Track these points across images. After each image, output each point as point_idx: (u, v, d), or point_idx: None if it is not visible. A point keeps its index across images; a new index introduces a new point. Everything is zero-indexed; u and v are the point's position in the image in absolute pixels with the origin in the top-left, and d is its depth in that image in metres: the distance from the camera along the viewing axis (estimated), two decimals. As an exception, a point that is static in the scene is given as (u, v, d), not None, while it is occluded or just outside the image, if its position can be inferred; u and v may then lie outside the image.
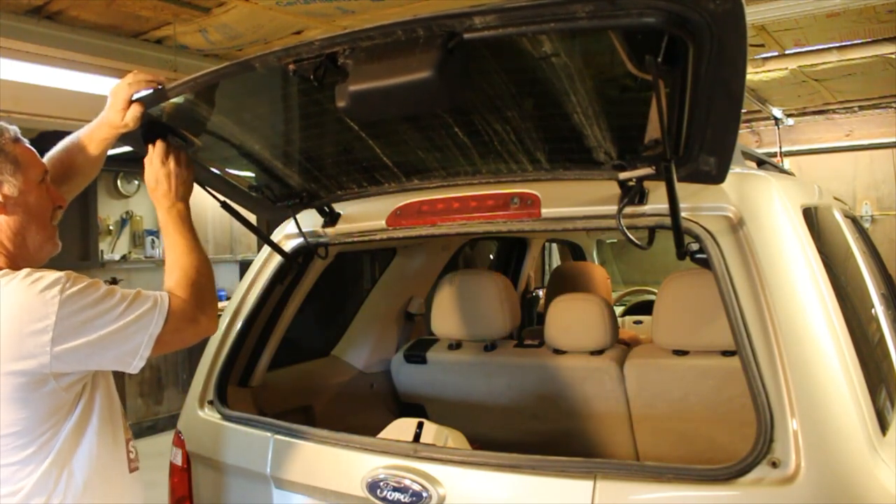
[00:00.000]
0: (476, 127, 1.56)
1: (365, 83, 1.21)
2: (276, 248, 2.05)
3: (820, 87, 5.89)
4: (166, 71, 4.07)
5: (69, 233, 6.07)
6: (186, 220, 1.64)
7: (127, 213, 7.05)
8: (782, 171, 2.89)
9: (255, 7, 3.75)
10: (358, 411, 2.53)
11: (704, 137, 1.29)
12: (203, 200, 1.90)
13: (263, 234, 2.12)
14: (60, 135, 1.67)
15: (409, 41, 1.17)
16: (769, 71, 5.24)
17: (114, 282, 6.66)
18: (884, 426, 1.37)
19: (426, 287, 2.85)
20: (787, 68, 5.20)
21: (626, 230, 1.46)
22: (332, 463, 1.67)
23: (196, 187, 1.72)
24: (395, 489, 1.52)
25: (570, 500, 1.37)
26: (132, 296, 1.36)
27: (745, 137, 7.21)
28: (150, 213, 7.27)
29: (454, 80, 1.17)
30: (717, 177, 1.37)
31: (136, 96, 1.56)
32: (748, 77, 5.40)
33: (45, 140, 1.71)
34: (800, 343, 1.32)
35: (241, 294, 2.09)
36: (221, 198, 1.90)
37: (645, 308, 4.39)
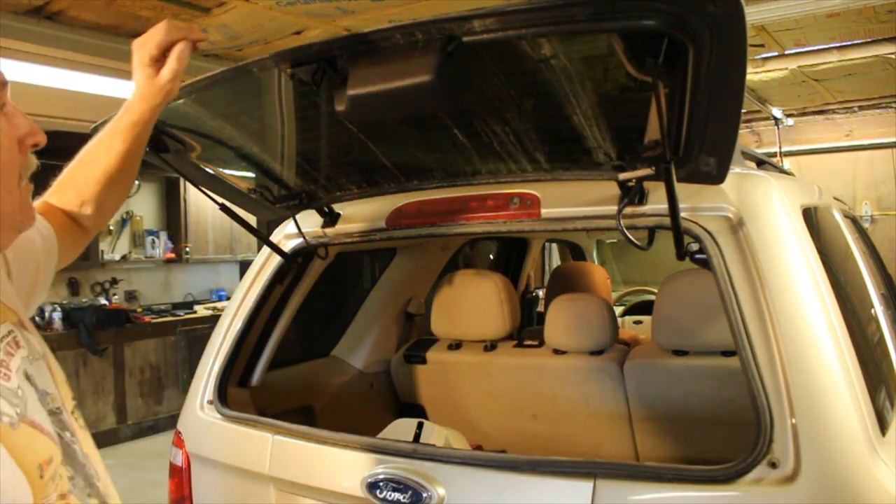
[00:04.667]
0: (475, 128, 1.56)
1: (364, 87, 1.21)
2: (276, 248, 2.05)
3: (820, 87, 5.90)
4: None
5: (69, 233, 6.07)
6: None
7: (127, 213, 7.05)
8: (782, 171, 2.89)
9: (255, 7, 3.75)
10: (358, 411, 2.53)
11: (704, 138, 1.29)
12: (203, 201, 1.91)
13: (262, 235, 2.12)
14: (60, 135, 1.63)
15: (407, 45, 1.17)
16: (769, 71, 5.24)
17: (114, 282, 6.70)
18: (883, 426, 1.38)
19: (426, 287, 2.85)
20: (786, 68, 5.20)
21: (625, 231, 1.46)
22: (331, 463, 1.67)
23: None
24: (394, 489, 1.52)
25: (569, 500, 1.37)
26: None
27: (745, 137, 7.21)
28: (150, 214, 7.27)
29: (453, 83, 1.17)
30: (717, 177, 1.38)
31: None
32: (748, 77, 5.40)
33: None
34: (799, 343, 1.33)
35: (241, 294, 2.09)
36: (220, 200, 1.90)
37: (645, 308, 4.40)
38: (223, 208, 1.89)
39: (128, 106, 1.24)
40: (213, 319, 4.23)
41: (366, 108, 1.25)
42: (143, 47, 1.20)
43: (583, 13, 1.05)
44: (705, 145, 1.31)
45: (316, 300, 2.32)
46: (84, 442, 1.01)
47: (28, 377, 0.95)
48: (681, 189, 1.36)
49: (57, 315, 5.89)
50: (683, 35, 1.07)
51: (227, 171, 1.97)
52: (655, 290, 3.54)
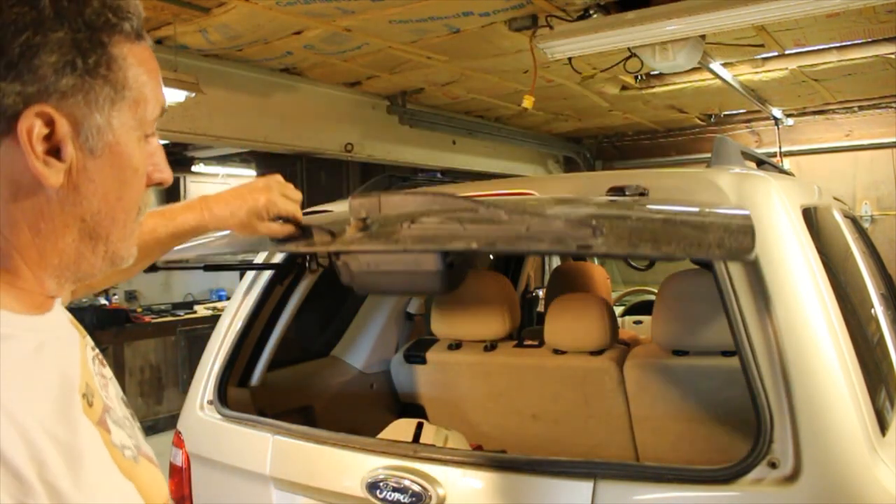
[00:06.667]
0: None
1: (368, 285, 1.34)
2: (271, 266, 2.05)
3: (820, 87, 5.88)
4: (166, 71, 4.07)
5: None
6: None
7: (127, 212, 7.06)
8: (782, 171, 2.89)
9: (254, 7, 3.75)
10: (358, 411, 2.53)
11: None
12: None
13: (255, 267, 2.12)
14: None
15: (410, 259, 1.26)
16: (769, 71, 5.23)
17: (114, 282, 6.70)
18: (883, 426, 1.38)
19: (426, 287, 2.85)
20: (786, 68, 5.19)
21: (630, 261, 1.47)
22: (331, 463, 1.68)
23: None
24: (394, 489, 1.52)
25: (569, 500, 1.37)
26: None
27: (745, 137, 7.21)
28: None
29: (453, 279, 1.26)
30: None
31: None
32: (748, 77, 5.40)
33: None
34: (799, 343, 1.32)
35: (241, 294, 2.09)
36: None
37: (645, 308, 4.39)
38: (208, 268, 1.92)
39: (189, 207, 1.27)
40: (213, 319, 4.23)
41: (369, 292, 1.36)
42: (273, 207, 1.27)
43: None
44: None
45: (316, 300, 2.32)
46: None
47: (122, 401, 0.82)
48: (681, 189, 1.36)
49: (57, 315, 5.88)
50: None
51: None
52: (655, 290, 3.54)
